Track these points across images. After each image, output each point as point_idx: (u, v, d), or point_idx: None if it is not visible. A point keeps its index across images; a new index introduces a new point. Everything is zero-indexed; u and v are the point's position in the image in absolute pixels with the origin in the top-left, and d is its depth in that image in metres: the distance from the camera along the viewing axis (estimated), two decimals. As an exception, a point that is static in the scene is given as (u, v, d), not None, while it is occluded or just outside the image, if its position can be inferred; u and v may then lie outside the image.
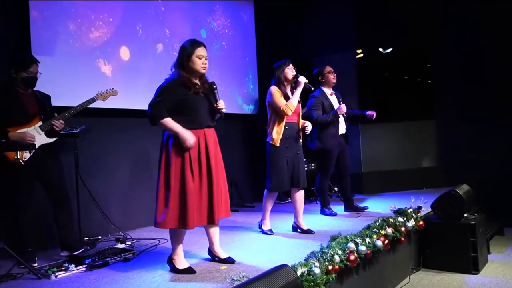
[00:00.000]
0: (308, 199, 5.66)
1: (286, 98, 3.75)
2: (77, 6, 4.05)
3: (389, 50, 6.38)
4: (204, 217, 2.82)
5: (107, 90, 3.55)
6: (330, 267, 2.69)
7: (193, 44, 2.85)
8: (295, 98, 3.73)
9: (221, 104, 2.91)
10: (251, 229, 4.15)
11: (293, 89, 3.84)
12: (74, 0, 4.02)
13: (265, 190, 3.88)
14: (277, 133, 3.73)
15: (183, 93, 2.79)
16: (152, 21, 4.74)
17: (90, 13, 4.16)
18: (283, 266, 2.01)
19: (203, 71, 2.86)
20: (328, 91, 4.59)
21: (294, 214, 3.95)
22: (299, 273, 2.45)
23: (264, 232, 3.87)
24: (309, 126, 3.88)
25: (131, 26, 4.52)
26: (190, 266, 2.85)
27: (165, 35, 4.87)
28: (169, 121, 2.75)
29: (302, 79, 3.76)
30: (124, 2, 4.45)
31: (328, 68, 4.58)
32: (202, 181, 2.80)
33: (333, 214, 4.56)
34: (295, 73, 3.80)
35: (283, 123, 3.74)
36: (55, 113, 3.34)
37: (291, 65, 3.81)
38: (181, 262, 2.88)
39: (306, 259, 2.72)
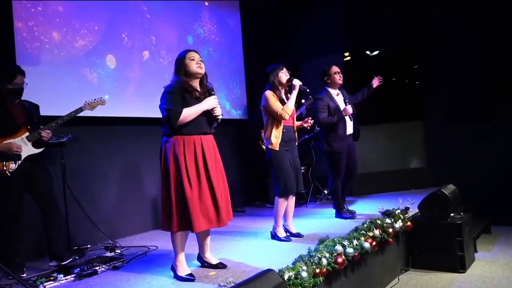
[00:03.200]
0: (298, 203, 5.72)
1: (282, 102, 3.75)
2: (61, 15, 4.07)
3: (376, 52, 6.47)
4: (213, 219, 2.85)
5: (95, 99, 3.58)
6: (317, 270, 2.73)
7: (184, 51, 2.97)
8: (291, 101, 3.71)
9: (218, 111, 2.96)
10: (241, 234, 4.18)
11: (287, 93, 3.84)
12: (59, 0, 4.03)
13: (276, 197, 3.82)
14: (275, 137, 3.72)
15: (185, 98, 2.85)
16: (137, 28, 4.76)
17: (75, 22, 4.18)
18: (269, 270, 2.04)
19: (200, 71, 2.92)
20: (334, 91, 4.52)
21: (284, 218, 3.97)
22: (286, 277, 2.48)
23: (281, 240, 3.75)
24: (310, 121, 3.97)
25: (116, 34, 4.53)
26: (190, 273, 2.86)
27: (151, 42, 4.89)
28: (185, 111, 2.81)
29: (297, 82, 3.74)
30: (109, 10, 4.47)
31: (335, 69, 4.49)
32: (201, 186, 2.83)
33: (352, 217, 4.46)
34: (289, 76, 3.79)
35: (281, 127, 3.74)
36: (41, 125, 3.35)
37: (284, 69, 3.80)
38: (182, 269, 2.89)
39: (293, 263, 2.75)
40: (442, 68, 6.09)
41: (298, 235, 3.87)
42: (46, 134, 3.31)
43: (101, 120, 4.24)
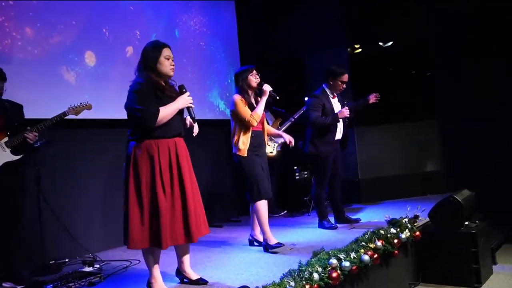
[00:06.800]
0: (300, 211, 5.73)
1: (250, 106, 3.88)
2: (35, 9, 4.10)
3: (390, 43, 6.44)
4: (179, 235, 2.82)
5: (80, 103, 3.65)
6: (307, 286, 2.72)
7: (158, 45, 2.94)
8: (260, 108, 3.86)
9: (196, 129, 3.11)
10: (232, 246, 4.20)
11: (257, 97, 3.98)
12: (32, 0, 4.07)
13: (254, 205, 3.90)
14: (243, 143, 3.85)
15: (158, 96, 2.84)
16: (120, 22, 4.80)
17: (51, 17, 4.21)
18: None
19: (172, 73, 2.94)
20: (330, 93, 4.61)
21: (251, 226, 4.13)
22: (271, 293, 2.48)
23: (273, 247, 3.79)
24: (292, 142, 4.14)
25: (96, 29, 4.57)
26: None
27: (135, 37, 4.92)
28: (163, 111, 2.80)
29: (267, 88, 3.86)
30: (88, 2, 4.50)
31: (344, 78, 4.52)
32: (174, 195, 2.83)
33: (333, 227, 4.55)
34: (259, 80, 3.91)
35: (249, 133, 3.87)
36: (27, 127, 3.39)
37: (254, 72, 3.93)
38: (158, 286, 2.91)
39: (281, 278, 2.75)
40: (458, 62, 6.03)
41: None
42: (33, 136, 3.36)
43: (79, 123, 4.25)
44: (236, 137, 3.89)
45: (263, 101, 3.87)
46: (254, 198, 3.87)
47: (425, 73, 6.42)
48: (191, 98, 2.97)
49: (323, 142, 4.51)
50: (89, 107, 3.69)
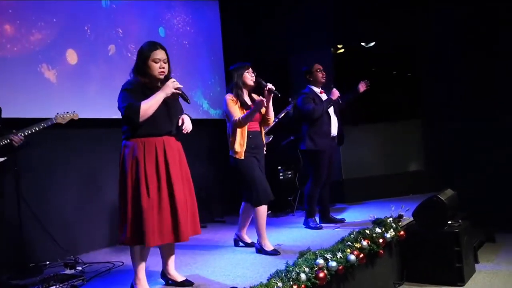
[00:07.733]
0: (284, 211, 5.75)
1: (244, 105, 3.79)
2: (15, 6, 4.02)
3: (372, 44, 6.50)
4: (168, 234, 2.83)
5: (67, 112, 3.66)
6: (295, 287, 2.74)
7: (150, 46, 2.90)
8: (250, 116, 3.68)
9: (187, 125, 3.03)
10: (218, 247, 4.19)
11: (251, 94, 3.93)
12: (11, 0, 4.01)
13: (254, 209, 3.79)
14: (240, 145, 3.72)
15: (147, 95, 2.81)
16: (102, 20, 4.74)
17: (31, 14, 4.14)
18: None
19: (161, 77, 2.88)
20: (317, 89, 4.70)
21: (238, 227, 4.10)
22: (258, 294, 2.49)
23: (268, 253, 3.71)
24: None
25: (78, 26, 4.50)
26: None
27: (118, 35, 4.88)
28: (144, 103, 2.73)
29: (271, 87, 3.73)
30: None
31: (317, 66, 4.69)
32: (161, 195, 2.82)
33: (318, 227, 4.57)
34: (254, 78, 3.83)
35: (245, 133, 3.74)
36: (13, 130, 3.35)
37: (250, 69, 3.85)
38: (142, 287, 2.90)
39: (268, 279, 2.76)
40: (444, 62, 6.12)
41: (253, 245, 3.94)
42: (18, 140, 3.31)
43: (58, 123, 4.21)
44: (232, 139, 3.77)
45: (253, 110, 3.65)
46: (253, 203, 3.74)
47: (412, 75, 6.48)
48: (176, 82, 2.85)
49: (321, 135, 4.56)
50: (75, 117, 3.71)
